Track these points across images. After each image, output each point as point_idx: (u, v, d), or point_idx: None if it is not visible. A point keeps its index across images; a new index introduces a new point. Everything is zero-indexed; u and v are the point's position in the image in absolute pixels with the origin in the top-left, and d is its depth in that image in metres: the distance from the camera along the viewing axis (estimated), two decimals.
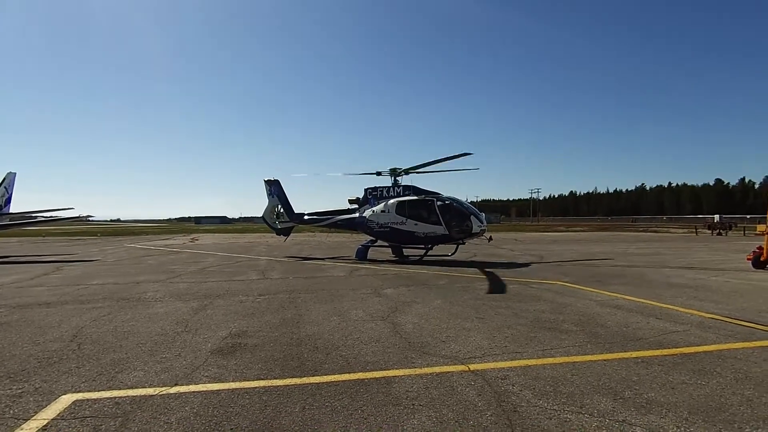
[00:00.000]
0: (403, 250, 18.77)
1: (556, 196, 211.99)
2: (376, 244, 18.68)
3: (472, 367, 4.74)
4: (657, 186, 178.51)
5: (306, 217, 20.81)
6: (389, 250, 19.20)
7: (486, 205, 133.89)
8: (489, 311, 7.62)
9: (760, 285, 10.52)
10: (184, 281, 11.76)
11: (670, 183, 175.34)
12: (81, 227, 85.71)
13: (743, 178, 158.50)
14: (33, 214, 30.99)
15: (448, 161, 16.88)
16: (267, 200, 21.59)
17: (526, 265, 15.70)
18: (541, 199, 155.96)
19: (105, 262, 17.79)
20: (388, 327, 6.55)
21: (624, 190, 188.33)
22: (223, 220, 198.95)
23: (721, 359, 4.94)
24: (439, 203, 16.81)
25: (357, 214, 18.93)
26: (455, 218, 16.60)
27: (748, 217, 76.22)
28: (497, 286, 10.47)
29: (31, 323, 6.93)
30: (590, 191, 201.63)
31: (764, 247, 13.84)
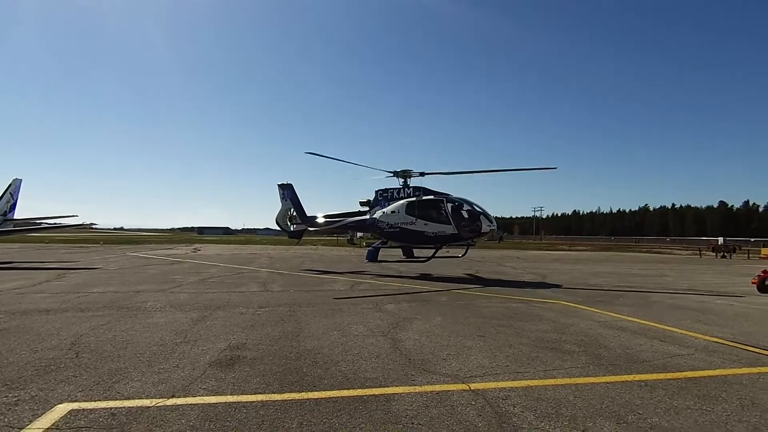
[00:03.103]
0: (414, 251, 18.92)
1: (559, 214, 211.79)
2: (386, 245, 18.81)
3: (473, 386, 4.67)
4: (661, 207, 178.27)
5: (318, 220, 20.94)
6: (396, 254, 19.48)
7: None
8: (490, 329, 7.54)
9: (765, 309, 10.41)
10: (184, 291, 11.73)
11: (673, 204, 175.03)
12: (84, 235, 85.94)
13: (747, 201, 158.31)
14: (37, 221, 31.15)
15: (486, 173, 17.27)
16: (280, 204, 21.87)
17: (529, 283, 15.60)
18: (544, 217, 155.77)
19: (106, 271, 17.78)
20: (388, 343, 6.49)
21: (627, 210, 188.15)
22: (226, 231, 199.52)
23: (727, 384, 4.86)
24: (448, 203, 16.92)
25: (367, 216, 19.03)
26: (465, 218, 16.71)
27: (753, 240, 75.93)
28: (499, 304, 10.39)
29: (30, 330, 6.90)
30: (593, 210, 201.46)
31: None
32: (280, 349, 6.06)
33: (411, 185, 18.26)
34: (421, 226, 17.10)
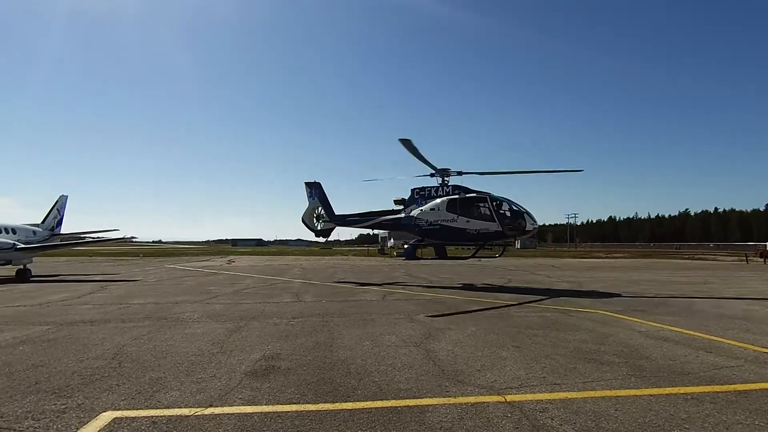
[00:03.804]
0: (448, 250, 18.83)
1: (594, 221, 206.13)
2: (422, 243, 18.78)
3: (509, 398, 4.58)
4: (702, 211, 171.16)
5: (348, 219, 20.74)
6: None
7: None
8: (526, 340, 7.39)
9: None
10: (220, 302, 11.99)
11: (716, 208, 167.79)
12: (125, 248, 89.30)
13: None
14: (81, 235, 32.55)
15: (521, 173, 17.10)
16: (306, 204, 21.62)
17: (564, 292, 15.22)
18: (578, 224, 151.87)
19: (146, 282, 18.38)
20: (421, 353, 6.44)
21: (667, 216, 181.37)
22: (259, 242, 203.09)
23: None
24: (492, 201, 16.91)
25: (403, 215, 18.97)
26: (509, 215, 16.70)
27: None
28: (534, 314, 10.17)
29: (77, 341, 7.19)
30: (630, 216, 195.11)
31: None
32: (313, 359, 6.11)
33: (450, 184, 18.24)
34: (463, 223, 17.05)
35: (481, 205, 17.06)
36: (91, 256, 48.81)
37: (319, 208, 21.21)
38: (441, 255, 18.95)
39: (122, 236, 33.46)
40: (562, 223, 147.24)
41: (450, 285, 17.54)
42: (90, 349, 6.58)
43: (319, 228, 21.33)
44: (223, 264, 35.45)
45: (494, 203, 16.85)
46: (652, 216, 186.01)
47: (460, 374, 5.41)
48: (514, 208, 16.89)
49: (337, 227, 21.47)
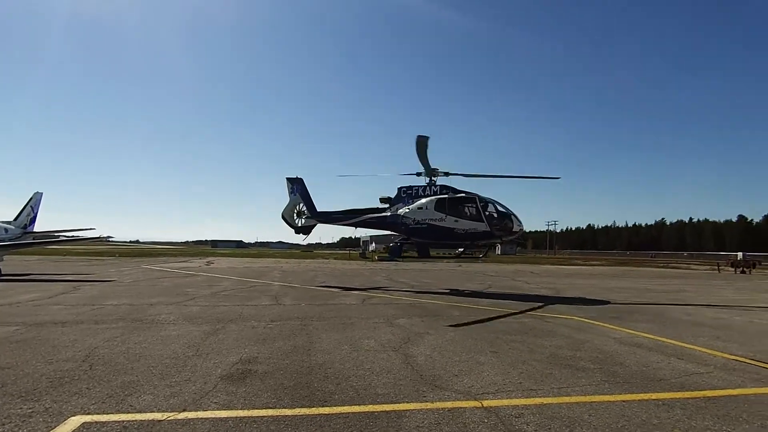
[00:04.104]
0: (431, 251, 18.90)
1: (573, 228, 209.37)
2: (408, 242, 18.78)
3: (486, 403, 4.61)
4: (677, 221, 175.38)
5: (332, 216, 20.41)
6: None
7: None
8: (503, 345, 7.45)
9: None
10: (197, 304, 11.80)
11: (691, 218, 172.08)
12: (101, 248, 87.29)
13: None
14: (56, 233, 31.74)
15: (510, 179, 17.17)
16: (288, 200, 21.05)
17: (543, 298, 15.40)
18: (558, 231, 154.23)
19: (121, 283, 17.99)
20: (399, 358, 6.44)
21: (643, 225, 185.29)
22: (239, 244, 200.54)
23: (748, 404, 4.73)
24: (480, 202, 17.13)
25: (389, 213, 18.92)
26: (497, 216, 17.02)
27: None
28: (512, 320, 10.26)
29: (46, 342, 6.99)
30: (609, 225, 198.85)
31: None
32: (291, 363, 6.05)
33: (437, 184, 18.34)
34: (451, 222, 17.19)
35: (470, 205, 17.26)
36: (65, 255, 47.58)
37: (301, 204, 20.74)
38: (424, 254, 18.99)
39: (98, 236, 32.77)
40: (542, 230, 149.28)
41: (430, 290, 17.59)
42: (60, 351, 6.41)
43: (299, 224, 20.83)
44: (202, 265, 34.93)
45: (482, 204, 17.12)
46: (630, 225, 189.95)
47: (437, 379, 5.43)
48: (502, 209, 17.22)
49: (318, 225, 20.95)
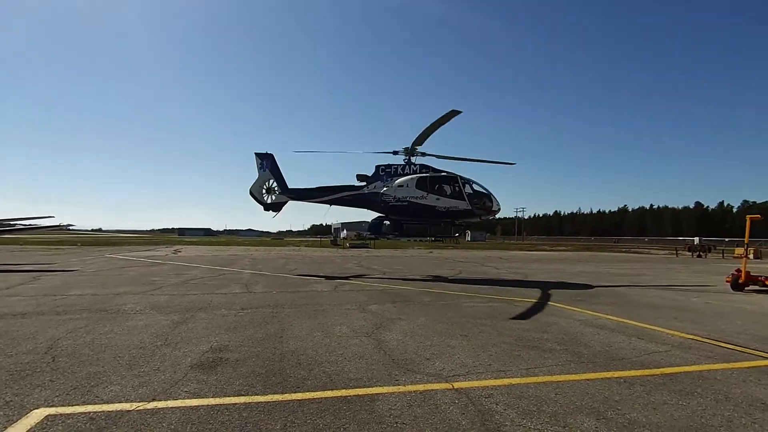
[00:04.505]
0: (407, 228, 18.93)
1: (541, 215, 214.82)
2: (386, 219, 18.80)
3: (456, 385, 4.71)
4: (639, 207, 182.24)
5: (304, 192, 19.90)
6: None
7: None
8: (473, 329, 7.61)
9: (738, 307, 10.70)
10: (165, 293, 11.55)
11: (651, 205, 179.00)
12: (61, 236, 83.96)
13: (722, 202, 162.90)
14: (11, 222, 30.32)
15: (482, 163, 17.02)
16: (257, 175, 20.11)
17: (511, 282, 15.77)
18: (526, 218, 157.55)
19: (84, 273, 17.41)
20: (372, 343, 6.49)
21: (607, 211, 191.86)
22: (208, 232, 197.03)
23: (702, 380, 4.99)
24: (462, 181, 17.54)
25: (366, 190, 18.78)
26: (478, 195, 17.56)
27: (727, 240, 77.88)
28: (482, 304, 10.48)
29: (5, 334, 6.71)
30: (574, 211, 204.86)
31: (742, 269, 14.12)
32: (263, 350, 6.02)
33: (416, 163, 18.46)
34: (432, 200, 17.47)
35: (452, 183, 17.62)
36: (22, 245, 45.59)
37: (271, 180, 19.96)
38: (401, 232, 19.03)
39: (58, 224, 31.50)
40: (510, 216, 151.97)
41: (402, 276, 17.74)
42: (20, 344, 6.17)
43: (269, 201, 20.02)
44: (169, 254, 34.12)
45: (463, 183, 17.53)
46: (594, 211, 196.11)
47: (409, 363, 5.50)
48: (481, 189, 17.72)
49: (289, 208, 20.32)
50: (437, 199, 17.43)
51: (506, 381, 4.86)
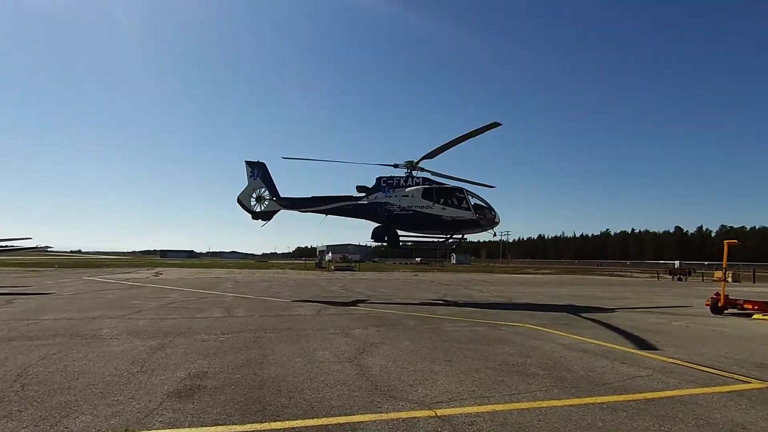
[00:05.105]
0: (400, 239, 19.02)
1: (525, 238, 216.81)
2: (389, 228, 18.80)
3: (440, 412, 4.64)
4: (621, 231, 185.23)
5: (299, 202, 19.29)
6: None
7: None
8: (457, 353, 7.55)
9: (718, 330, 10.83)
10: (143, 317, 11.28)
11: (633, 229, 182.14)
12: (38, 258, 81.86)
13: (701, 227, 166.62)
14: None
15: (472, 137, 16.76)
16: (246, 184, 19.33)
17: (496, 306, 15.77)
18: (510, 241, 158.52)
19: (60, 296, 16.94)
20: (354, 369, 6.39)
21: (590, 235, 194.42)
22: (191, 254, 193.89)
23: (683, 405, 5.00)
24: (467, 193, 18.13)
25: (366, 201, 18.71)
26: (482, 207, 18.17)
27: (706, 263, 79.30)
28: (466, 328, 10.43)
29: None
30: (558, 235, 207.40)
31: (721, 293, 14.35)
32: (242, 377, 5.88)
33: (418, 176, 18.72)
34: (438, 210, 17.80)
35: (457, 194, 18.12)
36: None
37: (262, 189, 19.21)
38: (393, 243, 19.05)
39: (35, 245, 30.76)
40: (495, 239, 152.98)
41: (386, 300, 17.63)
42: None
43: (258, 210, 19.19)
44: (150, 276, 33.45)
45: (468, 195, 18.06)
46: (578, 235, 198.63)
47: (392, 390, 5.42)
48: (483, 202, 18.26)
49: (281, 211, 19.40)
50: (443, 209, 17.81)
51: (490, 407, 4.81)
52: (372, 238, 19.00)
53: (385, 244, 19.84)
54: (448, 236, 18.87)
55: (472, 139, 16.58)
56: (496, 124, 15.77)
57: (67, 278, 28.92)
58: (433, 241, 19.79)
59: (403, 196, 18.24)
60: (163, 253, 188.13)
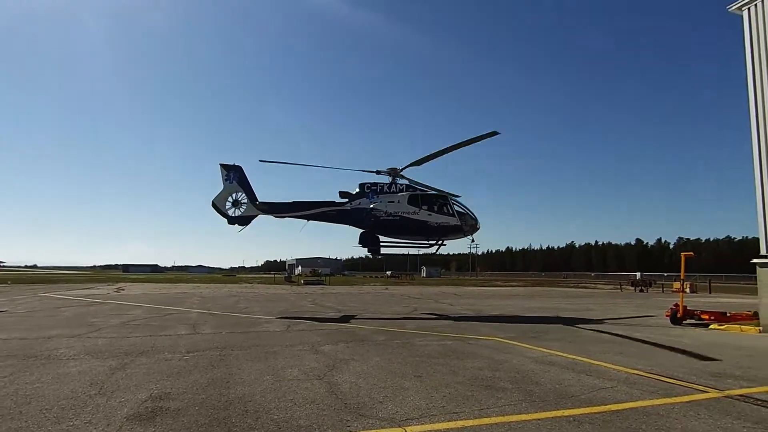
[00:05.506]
0: (381, 247, 19.10)
1: (494, 251, 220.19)
2: (374, 234, 18.81)
3: (409, 429, 4.61)
4: (585, 244, 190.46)
5: (278, 206, 18.78)
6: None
7: (428, 259, 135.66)
8: (427, 368, 7.55)
9: (677, 341, 11.20)
10: (103, 336, 10.83)
11: (596, 241, 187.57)
12: None
13: (660, 239, 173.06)
14: None
15: (471, 144, 17.30)
16: (221, 189, 18.43)
17: (465, 319, 15.89)
18: (479, 254, 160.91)
19: (13, 313, 16.10)
20: (324, 387, 6.30)
21: (556, 247, 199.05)
22: (155, 268, 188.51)
23: (646, 416, 5.13)
24: (450, 200, 18.68)
25: (350, 206, 18.55)
26: (466, 214, 18.84)
27: (665, 274, 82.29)
28: (435, 342, 10.45)
29: None
30: (525, 247, 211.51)
31: (680, 304, 14.89)
32: (207, 397, 5.70)
33: (401, 183, 19.00)
34: (424, 216, 18.15)
35: (442, 201, 18.59)
36: None
37: (239, 193, 18.43)
38: (374, 249, 19.09)
39: None
40: (465, 252, 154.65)
41: (357, 315, 17.51)
42: None
43: (234, 215, 18.39)
44: (111, 292, 32.21)
45: (453, 202, 18.60)
46: (544, 247, 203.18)
47: (362, 407, 5.36)
48: (464, 208, 18.83)
49: (260, 216, 18.65)
50: (429, 214, 18.19)
51: (459, 423, 4.81)
52: (359, 244, 18.97)
53: (364, 255, 20.25)
54: (433, 242, 19.29)
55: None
56: (494, 133, 16.36)
57: (20, 295, 27.56)
58: (414, 247, 20.32)
59: (389, 202, 18.40)
60: (126, 268, 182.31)
